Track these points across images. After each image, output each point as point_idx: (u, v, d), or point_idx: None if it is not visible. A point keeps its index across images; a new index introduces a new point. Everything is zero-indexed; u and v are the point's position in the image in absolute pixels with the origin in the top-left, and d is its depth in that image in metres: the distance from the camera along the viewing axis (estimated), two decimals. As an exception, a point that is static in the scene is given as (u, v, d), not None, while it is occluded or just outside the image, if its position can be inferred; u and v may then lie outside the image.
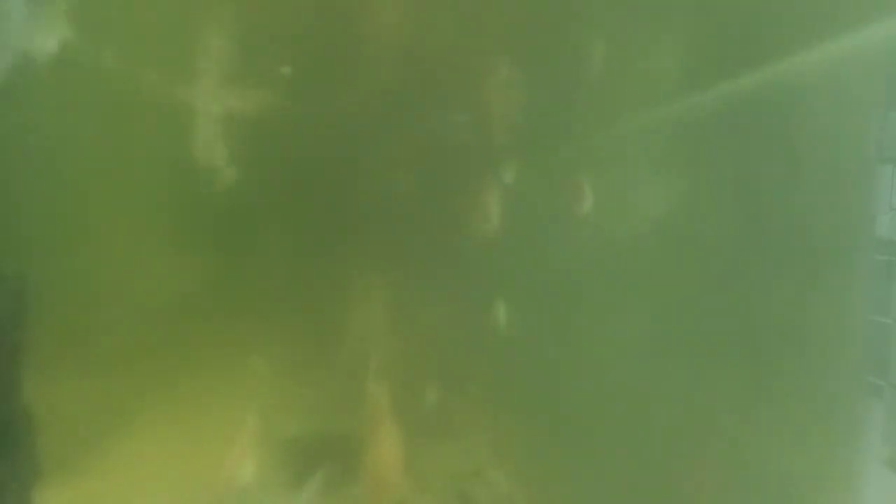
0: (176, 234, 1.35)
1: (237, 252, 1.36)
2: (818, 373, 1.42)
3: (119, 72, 1.28)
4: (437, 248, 1.34)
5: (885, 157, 1.43)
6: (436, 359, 1.35)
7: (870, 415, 1.46)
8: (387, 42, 1.34)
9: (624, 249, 1.31)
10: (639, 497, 1.36)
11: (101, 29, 1.28)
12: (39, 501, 1.22)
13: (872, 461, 1.44)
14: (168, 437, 1.30)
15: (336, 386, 1.35)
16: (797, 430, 1.41)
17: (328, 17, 1.32)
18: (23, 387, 1.23)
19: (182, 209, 1.35)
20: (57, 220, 1.31)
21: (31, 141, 1.27)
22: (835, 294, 1.43)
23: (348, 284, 1.37)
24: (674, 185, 1.33)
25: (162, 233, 1.35)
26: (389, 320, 1.37)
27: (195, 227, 1.36)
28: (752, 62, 1.34)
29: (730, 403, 1.39)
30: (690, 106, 1.33)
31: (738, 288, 1.37)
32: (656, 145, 1.31)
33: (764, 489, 1.38)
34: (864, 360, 1.46)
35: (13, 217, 1.26)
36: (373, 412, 1.34)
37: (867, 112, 1.43)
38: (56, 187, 1.30)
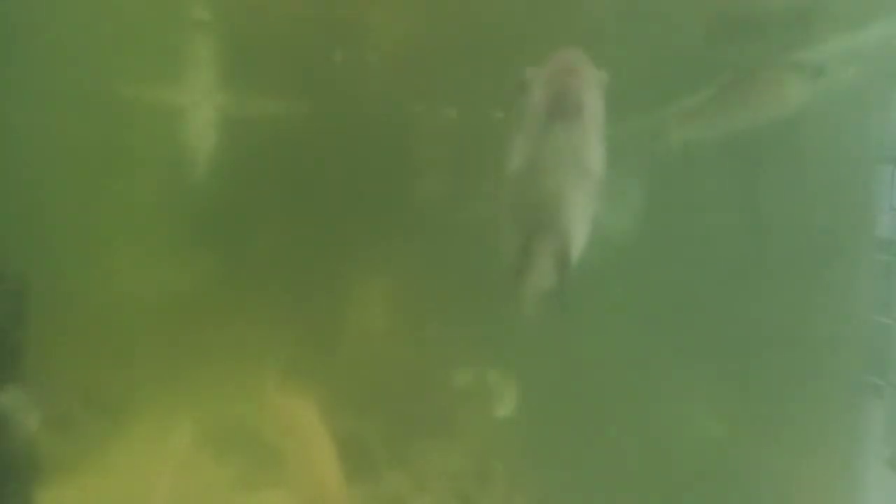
0: (175, 235, 1.35)
1: (236, 253, 1.36)
2: (819, 373, 1.42)
3: (119, 76, 1.28)
4: (439, 248, 1.34)
5: (885, 157, 1.44)
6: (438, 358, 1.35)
7: (870, 415, 1.45)
8: (387, 43, 1.34)
9: (624, 249, 1.31)
10: (639, 496, 1.36)
11: (102, 33, 1.29)
12: (39, 501, 1.22)
13: (872, 461, 1.44)
14: (167, 436, 1.30)
15: (336, 386, 1.34)
16: (797, 431, 1.41)
17: (329, 20, 1.33)
18: (22, 386, 1.23)
19: (182, 210, 1.35)
20: (57, 220, 1.31)
21: (32, 143, 1.27)
22: (835, 294, 1.43)
23: (349, 285, 1.37)
24: (674, 184, 1.33)
25: (161, 233, 1.35)
26: (390, 319, 1.37)
27: (195, 227, 1.36)
28: (752, 63, 1.34)
29: (730, 403, 1.39)
30: (691, 106, 1.33)
31: (738, 288, 1.37)
32: (657, 145, 1.32)
33: (764, 488, 1.38)
34: (864, 360, 1.45)
35: (13, 217, 1.26)
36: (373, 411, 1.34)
37: (867, 112, 1.43)
38: (56, 188, 1.30)
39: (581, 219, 0.93)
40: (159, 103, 1.29)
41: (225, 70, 1.33)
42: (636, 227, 1.32)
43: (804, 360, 1.40)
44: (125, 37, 1.28)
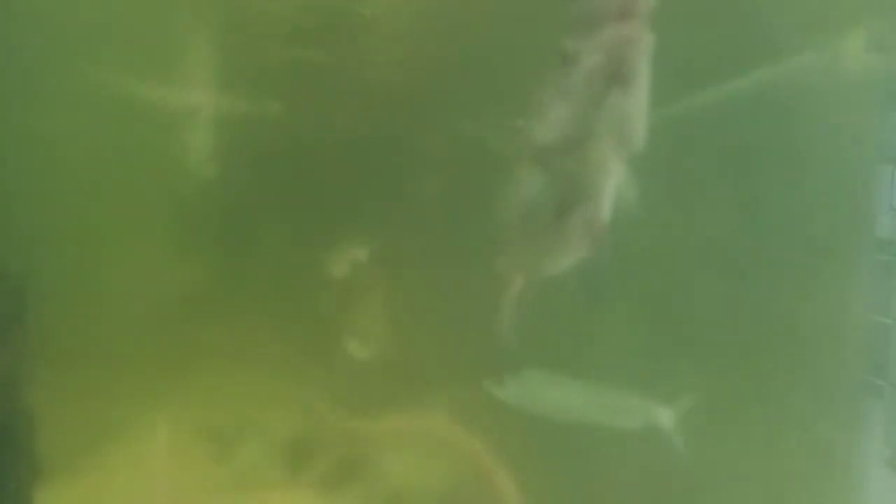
0: (175, 235, 1.35)
1: (235, 254, 1.36)
2: (818, 373, 1.42)
3: (120, 76, 1.28)
4: (437, 247, 1.34)
5: (885, 157, 1.44)
6: (439, 356, 1.35)
7: (870, 415, 1.46)
8: (387, 46, 1.34)
9: (625, 249, 1.31)
10: (639, 494, 1.36)
11: (99, 36, 1.29)
12: (39, 501, 1.22)
13: (872, 461, 1.44)
14: (166, 435, 1.30)
15: (335, 384, 1.35)
16: (797, 430, 1.41)
17: (332, 23, 1.33)
18: (23, 386, 1.23)
19: (182, 210, 1.35)
20: (57, 219, 1.31)
21: (32, 142, 1.28)
22: (835, 294, 1.43)
23: (348, 284, 1.37)
24: (674, 185, 1.33)
25: (161, 233, 1.35)
26: (389, 318, 1.37)
27: (194, 227, 1.36)
28: (752, 62, 1.34)
29: (730, 403, 1.39)
30: (692, 106, 1.33)
31: (738, 287, 1.37)
32: (658, 145, 1.31)
33: (765, 488, 1.39)
34: (864, 360, 1.46)
35: (14, 217, 1.26)
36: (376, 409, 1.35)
37: (867, 112, 1.43)
38: (56, 188, 1.30)
39: (612, 191, 0.92)
40: (161, 102, 1.29)
41: (226, 69, 1.33)
42: (632, 226, 1.32)
43: (803, 360, 1.41)
44: (126, 35, 1.28)
